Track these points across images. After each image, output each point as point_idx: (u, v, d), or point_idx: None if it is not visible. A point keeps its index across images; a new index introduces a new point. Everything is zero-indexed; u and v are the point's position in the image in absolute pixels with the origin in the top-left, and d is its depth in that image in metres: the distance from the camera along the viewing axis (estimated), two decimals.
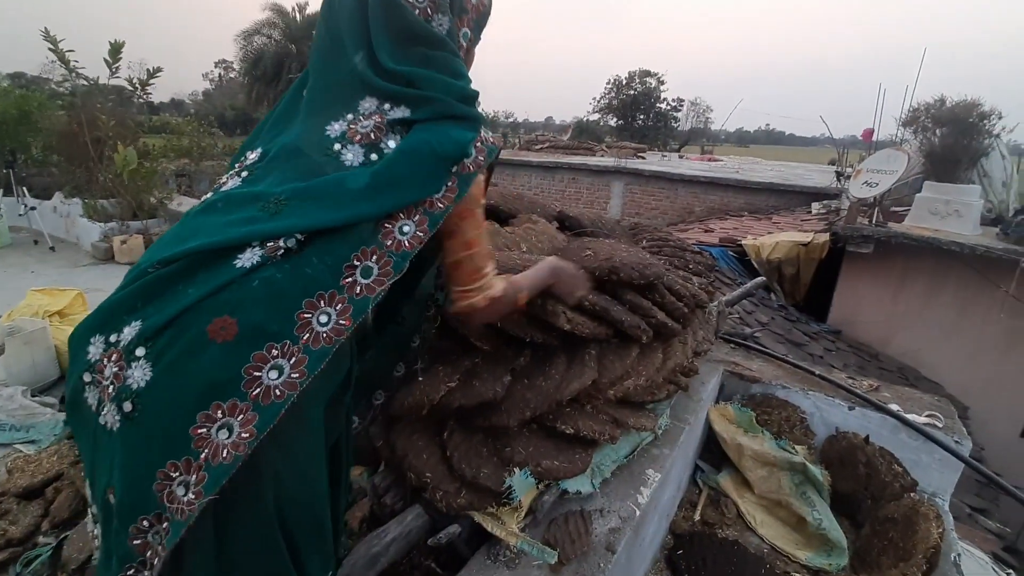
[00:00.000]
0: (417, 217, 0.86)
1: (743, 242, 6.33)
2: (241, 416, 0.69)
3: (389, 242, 0.84)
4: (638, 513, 1.37)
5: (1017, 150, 7.22)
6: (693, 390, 2.04)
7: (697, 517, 2.05)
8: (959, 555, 1.79)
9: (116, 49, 6.91)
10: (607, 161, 12.30)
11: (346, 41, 0.89)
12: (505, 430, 1.28)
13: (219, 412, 0.68)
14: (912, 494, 1.94)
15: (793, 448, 2.11)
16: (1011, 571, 2.28)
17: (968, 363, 5.78)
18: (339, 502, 1.06)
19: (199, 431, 0.67)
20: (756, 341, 2.91)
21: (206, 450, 0.67)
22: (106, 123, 7.31)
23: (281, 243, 0.76)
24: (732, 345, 2.76)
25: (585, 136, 25.85)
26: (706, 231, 7.47)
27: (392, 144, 0.87)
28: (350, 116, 0.88)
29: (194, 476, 0.67)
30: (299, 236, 0.78)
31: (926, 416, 2.19)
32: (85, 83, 7.47)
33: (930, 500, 1.95)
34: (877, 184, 5.71)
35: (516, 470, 1.21)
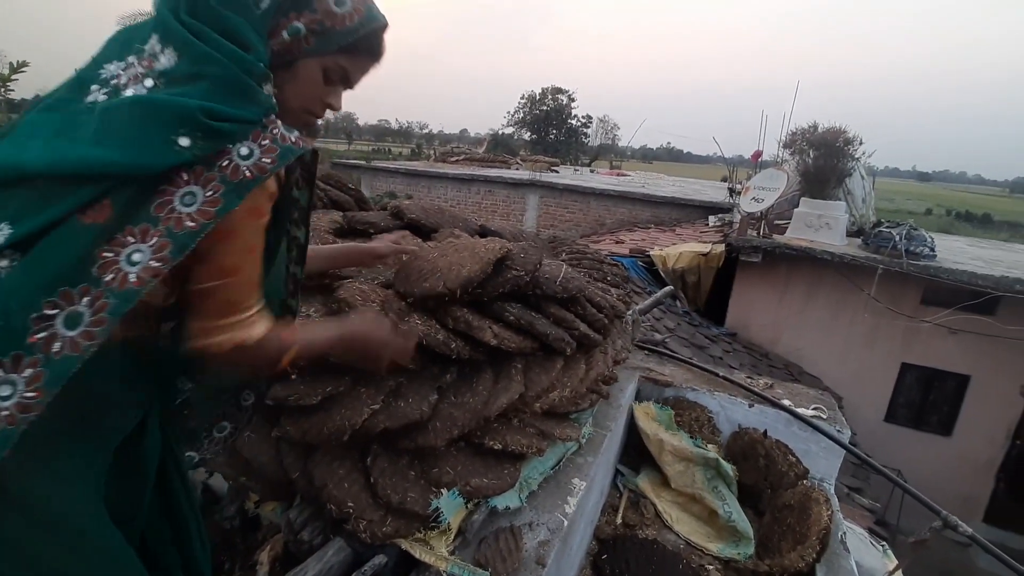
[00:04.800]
0: (155, 240, 0.64)
1: (651, 253, 6.73)
2: None
3: (110, 277, 0.63)
4: (566, 523, 1.38)
5: (873, 171, 8.38)
6: (613, 397, 2.11)
7: (619, 520, 2.11)
8: (845, 533, 1.99)
9: None
10: (522, 174, 12.57)
11: None
12: (432, 451, 1.24)
13: None
14: (804, 481, 2.14)
15: (706, 446, 2.26)
16: (884, 542, 2.59)
17: (840, 358, 6.56)
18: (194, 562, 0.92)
19: None
20: (667, 347, 3.09)
21: None
22: None
23: None
24: (646, 352, 2.90)
25: (500, 149, 26.29)
26: (617, 242, 7.85)
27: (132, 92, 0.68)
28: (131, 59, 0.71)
29: None
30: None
31: (813, 409, 2.44)
32: None
33: (819, 485, 2.17)
34: (763, 200, 6.34)
35: (444, 491, 1.18)
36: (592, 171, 19.45)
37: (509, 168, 14.92)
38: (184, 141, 0.64)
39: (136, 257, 0.63)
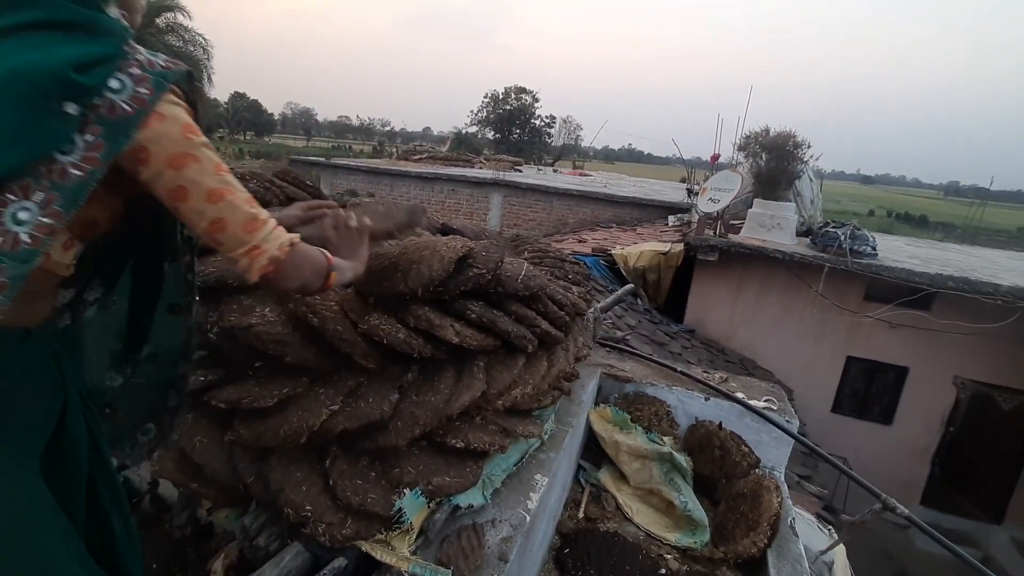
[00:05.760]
0: (40, 195, 0.58)
1: (613, 252, 6.85)
2: None
3: None
4: (528, 519, 1.39)
5: (821, 174, 8.78)
6: (574, 394, 2.14)
7: (581, 515, 2.15)
8: (794, 519, 2.09)
9: None
10: (486, 173, 12.55)
11: None
12: (394, 450, 1.23)
13: None
14: (757, 470, 2.23)
15: (661, 440, 2.32)
16: (831, 527, 2.73)
17: (790, 352, 6.85)
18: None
19: None
20: (627, 344, 3.15)
21: None
22: None
23: None
24: (607, 349, 2.96)
25: (464, 148, 26.18)
26: (580, 241, 7.95)
27: None
28: None
29: None
30: None
31: (764, 401, 2.55)
32: None
33: (770, 474, 2.26)
34: (719, 201, 6.56)
35: (407, 491, 1.17)
36: (555, 171, 19.62)
37: (473, 167, 14.87)
38: (71, 108, 0.59)
39: (22, 216, 0.58)
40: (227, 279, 1.27)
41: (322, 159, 14.32)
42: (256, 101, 62.99)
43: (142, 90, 0.64)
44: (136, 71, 0.64)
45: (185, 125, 0.67)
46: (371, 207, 1.36)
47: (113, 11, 0.69)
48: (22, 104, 0.57)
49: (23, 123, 0.57)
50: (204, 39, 20.68)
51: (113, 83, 0.63)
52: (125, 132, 0.62)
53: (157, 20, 19.72)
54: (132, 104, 0.63)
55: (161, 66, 0.66)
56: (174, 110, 0.67)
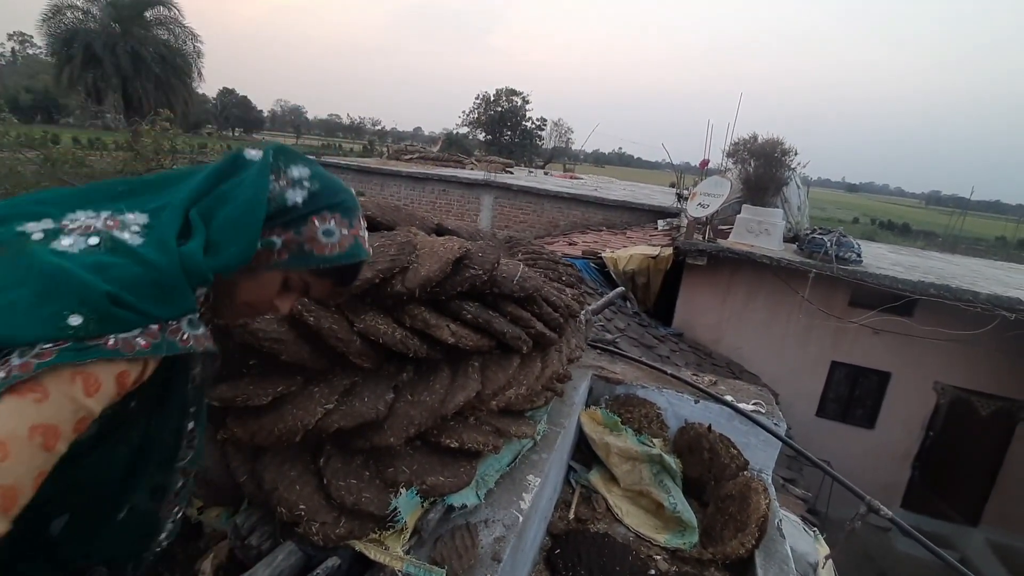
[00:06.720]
0: None
1: (603, 255, 6.89)
2: None
3: None
4: (521, 519, 1.40)
5: (807, 181, 8.92)
6: (566, 395, 2.15)
7: (571, 515, 2.16)
8: (781, 520, 2.12)
9: None
10: (477, 174, 12.55)
11: None
12: (388, 450, 1.23)
13: None
14: (745, 472, 2.26)
15: (651, 442, 2.34)
16: (816, 529, 2.77)
17: (777, 356, 6.94)
18: None
19: None
20: (617, 346, 3.17)
21: None
22: None
23: None
24: (598, 351, 2.97)
25: (455, 149, 26.13)
26: (570, 244, 7.99)
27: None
28: None
29: None
30: None
31: (753, 404, 2.58)
32: None
33: (758, 476, 2.29)
34: (708, 205, 6.62)
35: (402, 490, 1.17)
36: (546, 173, 19.67)
37: (464, 168, 14.86)
38: (75, 320, 0.57)
39: None
40: None
41: (312, 157, 14.18)
42: (245, 97, 62.39)
43: (140, 341, 0.62)
44: (155, 327, 0.64)
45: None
46: None
47: (202, 290, 0.73)
48: (45, 290, 0.58)
49: (28, 303, 0.57)
50: (195, 33, 20.46)
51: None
52: (80, 357, 0.59)
53: (146, 14, 19.45)
54: (118, 341, 0.61)
55: (181, 339, 0.67)
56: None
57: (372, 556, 1.14)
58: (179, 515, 0.88)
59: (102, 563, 0.82)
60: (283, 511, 1.10)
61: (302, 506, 1.11)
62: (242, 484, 1.17)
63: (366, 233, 0.84)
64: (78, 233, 0.64)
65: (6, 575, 0.71)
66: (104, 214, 0.67)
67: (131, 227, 0.66)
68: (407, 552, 1.18)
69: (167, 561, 1.34)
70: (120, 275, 0.61)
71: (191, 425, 0.82)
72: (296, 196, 0.75)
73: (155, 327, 0.63)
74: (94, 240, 0.63)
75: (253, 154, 0.76)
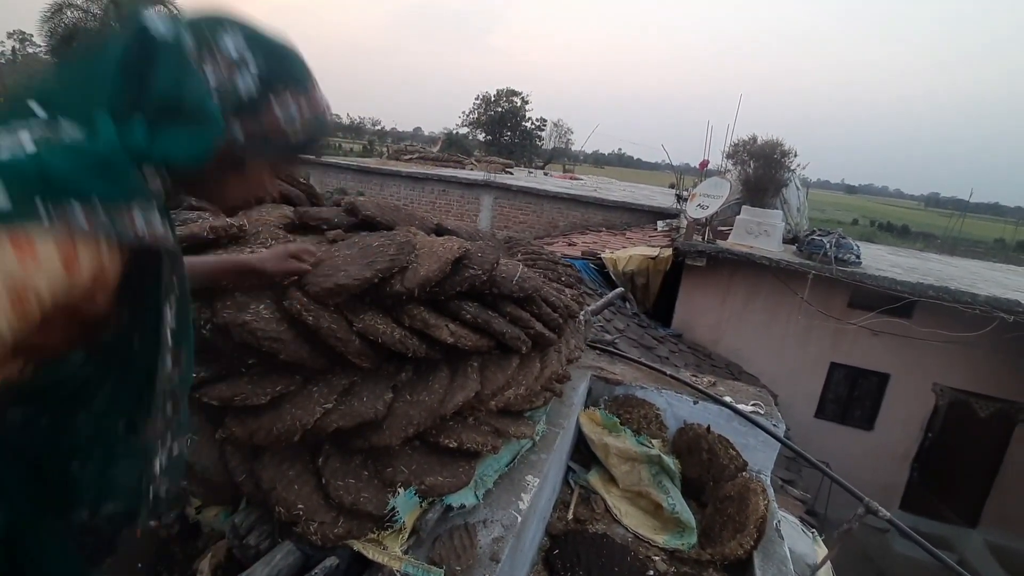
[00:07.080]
0: None
1: (602, 256, 6.89)
2: None
3: None
4: (519, 520, 1.40)
5: (807, 183, 8.93)
6: (565, 395, 2.15)
7: (570, 516, 2.15)
8: (779, 522, 2.12)
9: None
10: (477, 175, 12.56)
11: None
12: (387, 450, 1.22)
13: None
14: (744, 473, 2.26)
15: (650, 442, 2.34)
16: (815, 530, 2.77)
17: (776, 357, 6.94)
18: None
19: None
20: (616, 347, 3.17)
21: None
22: None
23: None
24: (597, 351, 2.97)
25: (455, 149, 26.12)
26: (570, 244, 7.99)
27: None
28: None
29: None
30: None
31: (752, 405, 2.58)
32: None
33: (757, 477, 2.29)
34: (708, 207, 6.63)
35: (401, 490, 1.17)
36: (546, 174, 19.68)
37: (463, 168, 14.86)
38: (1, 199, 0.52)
39: None
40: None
41: (312, 157, 14.17)
42: None
43: (86, 223, 0.58)
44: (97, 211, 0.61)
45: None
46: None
47: (155, 183, 0.68)
48: None
49: None
50: None
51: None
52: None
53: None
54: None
55: (130, 227, 0.60)
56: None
57: (370, 556, 1.14)
58: (175, 452, 0.81)
59: (117, 503, 0.80)
60: (281, 511, 1.10)
61: (300, 506, 1.11)
62: (240, 483, 1.17)
63: (322, 94, 0.81)
64: (17, 119, 0.57)
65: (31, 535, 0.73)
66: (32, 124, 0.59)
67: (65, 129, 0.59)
68: (405, 552, 1.18)
69: (166, 560, 1.34)
70: (52, 149, 0.56)
71: (170, 340, 0.74)
72: (246, 82, 0.67)
73: (97, 205, 0.56)
74: (24, 135, 0.56)
75: (161, 30, 0.64)
